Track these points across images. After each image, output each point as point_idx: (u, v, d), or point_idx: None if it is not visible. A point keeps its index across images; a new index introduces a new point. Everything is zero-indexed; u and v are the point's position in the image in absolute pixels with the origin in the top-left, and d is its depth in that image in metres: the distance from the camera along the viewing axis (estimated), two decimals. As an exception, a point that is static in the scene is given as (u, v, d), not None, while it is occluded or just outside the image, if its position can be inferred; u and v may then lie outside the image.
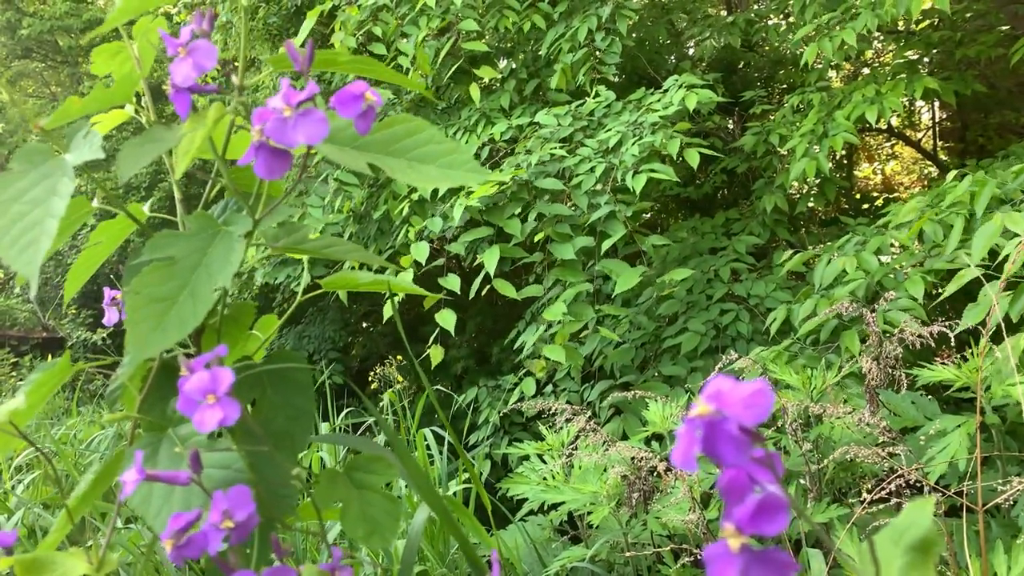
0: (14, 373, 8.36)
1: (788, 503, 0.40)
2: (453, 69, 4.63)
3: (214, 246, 0.64)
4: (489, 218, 3.89)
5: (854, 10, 3.80)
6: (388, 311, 4.02)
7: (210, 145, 0.70)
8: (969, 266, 2.46)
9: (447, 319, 3.78)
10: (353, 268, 3.79)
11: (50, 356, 7.77)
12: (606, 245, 3.64)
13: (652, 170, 3.58)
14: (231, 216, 0.69)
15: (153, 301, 0.61)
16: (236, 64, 0.69)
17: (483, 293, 3.87)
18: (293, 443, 0.73)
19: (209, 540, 0.60)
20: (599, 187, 3.74)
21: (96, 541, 0.69)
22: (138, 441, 0.68)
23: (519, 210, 3.83)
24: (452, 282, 3.78)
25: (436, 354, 3.99)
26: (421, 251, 3.85)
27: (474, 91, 4.54)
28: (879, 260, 3.12)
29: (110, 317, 0.85)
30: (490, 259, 3.75)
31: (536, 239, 3.83)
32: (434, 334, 3.93)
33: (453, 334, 3.86)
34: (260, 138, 0.61)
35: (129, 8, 0.73)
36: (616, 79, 4.48)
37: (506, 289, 3.81)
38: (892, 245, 3.24)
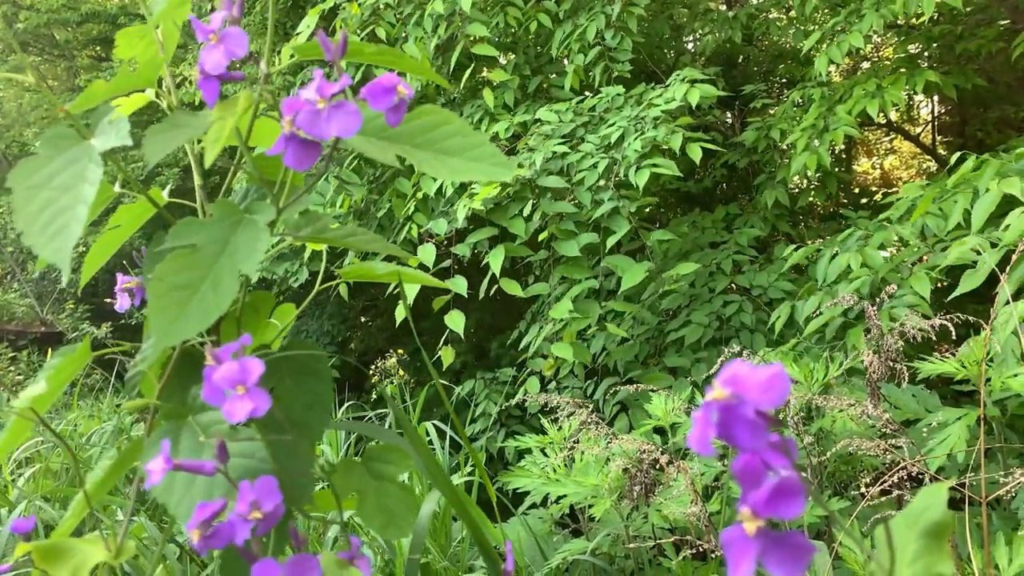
0: (12, 367, 8.35)
1: (805, 487, 0.40)
2: (469, 72, 4.61)
3: (238, 234, 0.64)
4: (492, 218, 3.89)
5: (859, 12, 3.80)
6: (400, 313, 4.03)
7: (236, 133, 0.70)
8: (979, 254, 2.46)
9: (456, 321, 3.78)
10: (353, 261, 3.79)
11: (49, 350, 7.76)
12: (611, 241, 3.64)
13: (655, 165, 3.58)
14: (254, 204, 0.69)
15: (175, 289, 0.61)
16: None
17: (490, 292, 3.88)
18: (311, 432, 0.73)
19: (236, 530, 0.60)
20: (602, 183, 3.74)
21: (112, 529, 0.70)
22: (157, 429, 0.68)
23: (523, 209, 3.83)
24: (459, 284, 3.78)
25: (447, 356, 4.00)
26: (427, 254, 3.85)
27: (487, 96, 4.53)
28: (883, 257, 3.12)
29: (122, 303, 0.85)
30: (496, 259, 3.76)
31: (540, 238, 3.83)
32: (444, 335, 3.94)
33: (462, 336, 3.87)
34: (291, 129, 0.61)
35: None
36: (623, 73, 4.49)
37: (512, 288, 3.81)
38: (895, 240, 3.24)
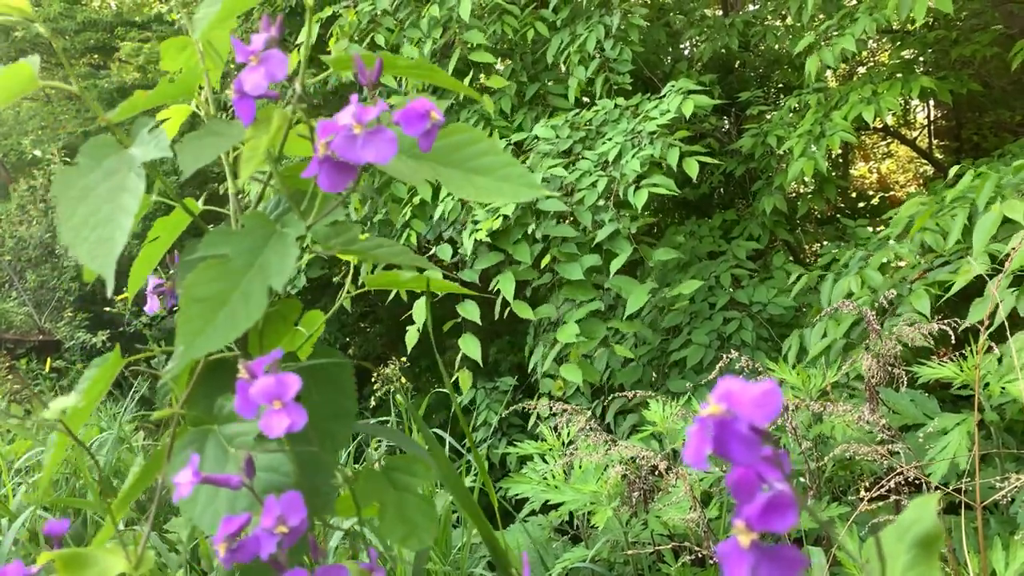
0: (10, 376, 8.32)
1: (797, 500, 0.42)
2: (468, 79, 4.63)
3: (269, 247, 0.65)
4: (496, 243, 3.91)
5: (852, 15, 3.82)
6: (411, 340, 4.03)
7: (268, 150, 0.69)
8: (972, 264, 2.49)
9: (471, 347, 3.80)
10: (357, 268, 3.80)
11: (48, 359, 7.74)
12: (614, 265, 3.64)
13: (654, 184, 3.59)
14: (286, 217, 0.69)
15: (203, 301, 0.61)
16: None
17: (503, 315, 3.90)
18: (334, 442, 0.73)
19: (261, 544, 0.61)
20: (601, 202, 3.75)
21: (135, 538, 0.71)
22: (182, 439, 0.69)
23: (525, 233, 3.84)
24: (471, 311, 3.80)
25: (465, 379, 4.02)
26: (434, 279, 3.84)
27: (487, 102, 4.54)
28: (882, 276, 3.15)
29: (152, 306, 0.86)
30: (506, 284, 3.78)
31: (544, 262, 3.85)
32: (453, 350, 3.95)
33: (480, 363, 3.89)
34: (326, 152, 0.61)
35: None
36: (623, 85, 4.50)
37: (524, 312, 3.83)
38: (896, 258, 3.26)
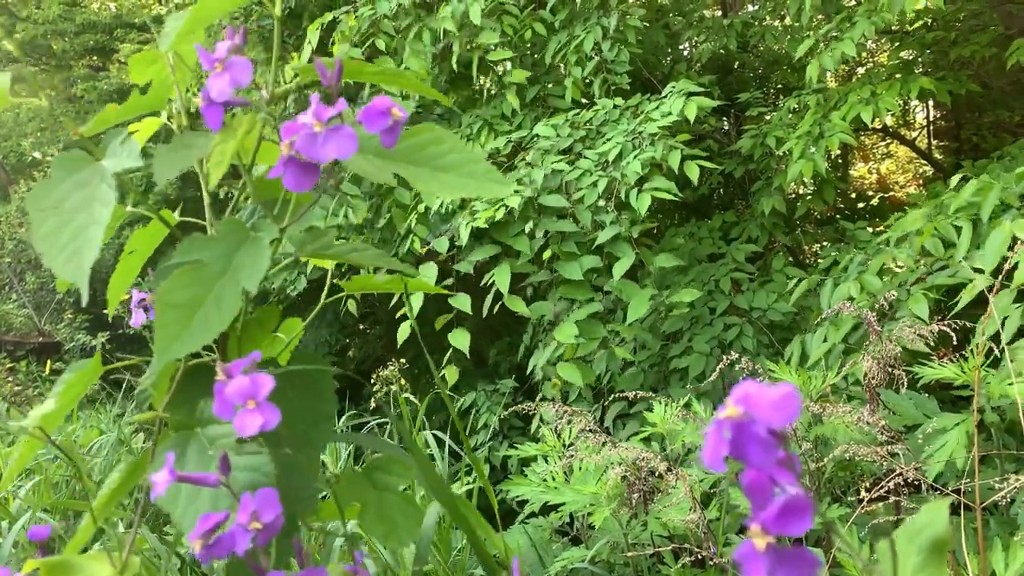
0: (11, 378, 8.33)
1: (812, 503, 0.41)
2: (485, 78, 4.63)
3: (241, 252, 0.65)
4: (496, 235, 3.90)
5: (851, 19, 3.82)
6: (403, 334, 4.03)
7: (240, 154, 0.70)
8: (982, 272, 2.49)
9: (460, 340, 3.79)
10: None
11: (48, 361, 7.74)
12: (617, 270, 3.64)
13: (656, 188, 3.59)
14: (260, 222, 0.70)
15: (179, 306, 0.62)
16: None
17: (493, 310, 3.89)
18: (314, 446, 0.74)
19: (237, 540, 0.61)
20: (602, 203, 3.74)
21: (116, 540, 0.70)
22: (165, 441, 0.69)
23: (526, 227, 3.83)
24: (463, 302, 3.79)
25: (451, 374, 4.03)
26: (429, 272, 3.86)
27: (512, 98, 4.54)
28: (881, 281, 3.15)
29: (137, 319, 0.86)
30: (502, 277, 3.77)
31: (545, 256, 3.84)
32: (447, 348, 3.95)
33: (467, 354, 3.89)
34: (289, 152, 0.62)
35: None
36: (620, 84, 4.50)
37: (518, 306, 3.83)
38: (895, 262, 3.26)
